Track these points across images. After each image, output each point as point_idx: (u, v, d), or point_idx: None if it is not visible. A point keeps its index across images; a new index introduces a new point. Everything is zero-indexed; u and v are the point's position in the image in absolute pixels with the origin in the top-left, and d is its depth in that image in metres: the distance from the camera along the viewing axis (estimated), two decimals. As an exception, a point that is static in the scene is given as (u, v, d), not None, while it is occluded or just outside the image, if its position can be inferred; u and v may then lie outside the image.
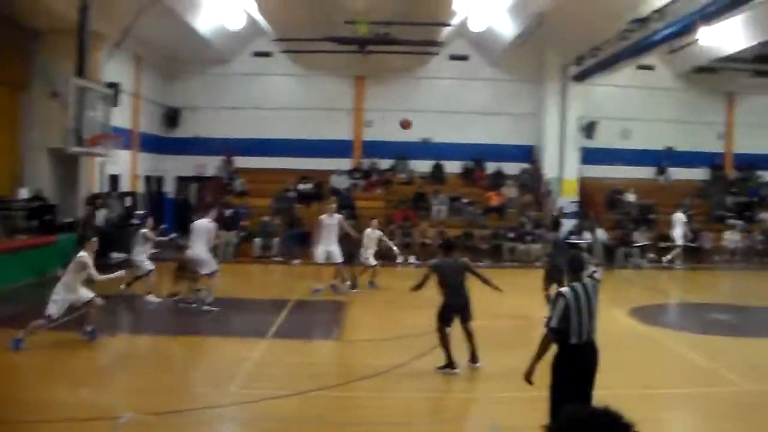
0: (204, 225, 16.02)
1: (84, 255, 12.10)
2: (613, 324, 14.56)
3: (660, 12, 20.55)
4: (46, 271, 19.29)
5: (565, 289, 7.22)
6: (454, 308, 10.86)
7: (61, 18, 19.83)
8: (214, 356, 11.92)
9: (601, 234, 25.99)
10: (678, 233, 25.93)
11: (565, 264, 7.89)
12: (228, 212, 25.47)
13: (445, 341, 10.82)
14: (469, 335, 11.00)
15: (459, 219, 27.23)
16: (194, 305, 15.42)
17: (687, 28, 19.56)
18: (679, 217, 26.11)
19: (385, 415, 8.98)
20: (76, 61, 18.78)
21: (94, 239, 12.81)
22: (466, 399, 9.52)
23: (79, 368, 10.95)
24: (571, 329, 7.06)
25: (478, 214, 27.38)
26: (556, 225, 19.88)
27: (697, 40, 22.77)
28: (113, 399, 9.31)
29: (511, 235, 25.93)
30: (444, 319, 10.90)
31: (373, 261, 19.04)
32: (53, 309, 11.79)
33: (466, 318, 10.96)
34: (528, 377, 7.35)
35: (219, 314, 15.03)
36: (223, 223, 24.84)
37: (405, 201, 27.76)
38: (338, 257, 17.55)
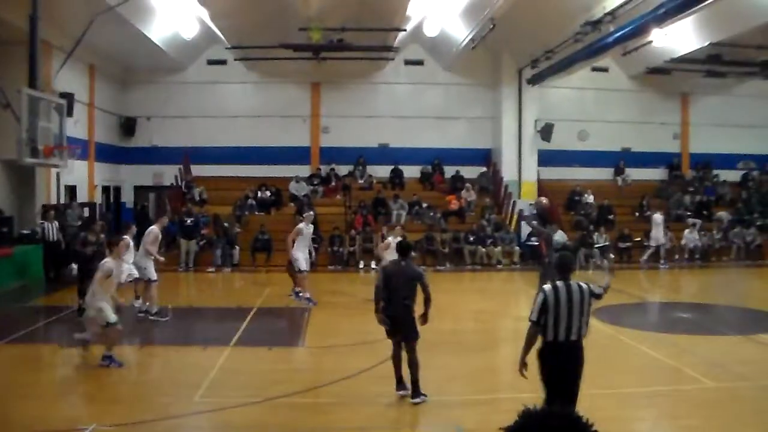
0: (147, 231, 15.88)
1: (109, 261, 11.59)
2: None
3: (612, 14, 20.75)
4: (2, 284, 19.05)
5: (546, 287, 7.34)
6: (393, 319, 9.50)
7: (12, 28, 19.65)
8: (178, 365, 11.79)
9: (561, 236, 26.14)
10: (658, 233, 26.21)
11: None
12: (188, 221, 25.26)
13: (393, 358, 9.77)
14: (410, 360, 9.53)
15: (419, 223, 27.28)
16: (142, 315, 15.22)
17: (639, 29, 19.80)
18: (658, 217, 26.40)
19: (352, 420, 8.95)
20: (28, 71, 18.53)
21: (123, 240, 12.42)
22: (431, 402, 9.48)
23: (41, 381, 10.82)
24: (547, 326, 7.18)
25: (438, 217, 27.43)
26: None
27: (650, 41, 23.16)
28: (76, 411, 9.20)
29: (472, 238, 26.02)
30: (388, 334, 9.78)
31: None
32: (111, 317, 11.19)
33: (407, 336, 9.56)
34: (520, 369, 7.46)
35: (167, 324, 14.90)
36: (183, 232, 24.74)
37: (365, 206, 27.74)
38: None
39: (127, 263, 14.51)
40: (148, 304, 15.33)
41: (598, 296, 7.57)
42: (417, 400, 9.38)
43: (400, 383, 9.63)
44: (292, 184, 29.28)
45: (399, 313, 9.44)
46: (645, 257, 26.18)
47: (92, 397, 10.05)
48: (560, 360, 7.21)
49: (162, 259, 16.60)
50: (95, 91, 27.29)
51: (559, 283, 7.30)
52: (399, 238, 16.84)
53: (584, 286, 7.38)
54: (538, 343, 7.29)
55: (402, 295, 9.44)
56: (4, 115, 18.53)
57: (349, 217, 27.50)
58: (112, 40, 24.21)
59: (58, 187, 23.78)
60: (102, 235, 16.10)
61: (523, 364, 7.41)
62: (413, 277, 9.57)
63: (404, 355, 9.62)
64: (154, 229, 15.80)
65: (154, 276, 15.34)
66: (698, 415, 9.14)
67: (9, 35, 20.23)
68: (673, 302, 18.63)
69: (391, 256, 16.36)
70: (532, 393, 9.65)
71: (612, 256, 25.89)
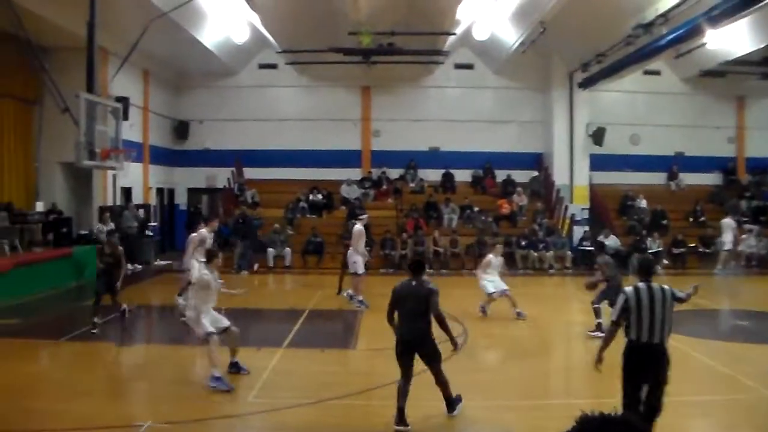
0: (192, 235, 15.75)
1: (206, 272, 11.04)
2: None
3: (665, 16, 20.53)
4: (62, 284, 19.51)
5: (627, 288, 7.48)
6: (407, 343, 8.83)
7: (70, 35, 20.24)
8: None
9: (614, 241, 25.93)
10: (728, 238, 25.67)
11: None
12: (243, 223, 25.48)
13: (398, 391, 8.81)
14: (437, 380, 8.99)
15: (470, 227, 27.25)
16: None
17: (693, 31, 19.48)
18: (728, 222, 25.92)
19: (404, 422, 8.97)
20: (86, 76, 18.91)
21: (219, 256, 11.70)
22: (481, 407, 9.49)
23: (99, 378, 11.04)
24: (630, 326, 7.35)
25: (490, 222, 27.33)
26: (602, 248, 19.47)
27: (704, 43, 22.82)
28: (132, 408, 9.35)
29: (524, 242, 25.88)
30: (397, 357, 8.91)
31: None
32: (207, 326, 10.69)
33: (428, 358, 8.91)
34: (596, 364, 7.67)
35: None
36: (239, 234, 24.99)
37: (416, 210, 27.76)
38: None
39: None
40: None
41: (681, 300, 7.63)
42: (455, 413, 9.08)
43: (401, 416, 8.63)
44: (344, 187, 29.43)
45: (414, 335, 8.79)
46: (721, 265, 25.38)
47: (147, 395, 10.22)
48: (641, 360, 7.29)
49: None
50: (150, 95, 27.80)
51: (640, 284, 7.41)
52: (500, 258, 16.88)
53: (666, 288, 7.45)
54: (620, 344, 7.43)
55: (414, 315, 8.82)
56: (62, 119, 18.94)
57: (401, 220, 27.56)
58: (166, 46, 24.63)
59: (114, 189, 24.30)
60: (120, 248, 15.60)
61: (599, 359, 7.62)
62: (425, 295, 8.83)
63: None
64: (202, 232, 15.52)
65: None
66: (754, 425, 9.01)
67: (68, 42, 20.79)
68: (729, 309, 18.30)
69: (491, 275, 16.46)
70: (584, 399, 9.67)
71: (665, 261, 25.59)
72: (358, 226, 18.17)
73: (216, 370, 10.37)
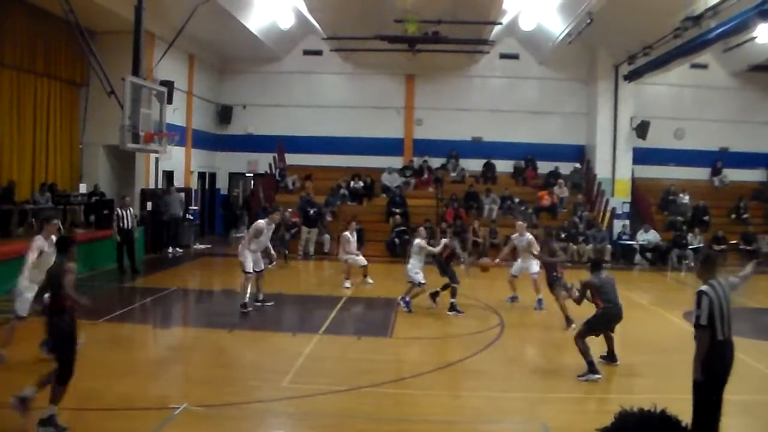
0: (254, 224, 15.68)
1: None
2: (670, 328, 14.48)
3: (714, 9, 20.15)
4: (102, 265, 19.77)
5: (706, 287, 7.17)
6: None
7: (118, 19, 20.43)
8: (267, 351, 12.00)
9: (653, 235, 25.68)
10: None
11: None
12: (311, 210, 25.55)
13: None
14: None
15: (511, 218, 27.10)
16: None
17: (743, 25, 19.17)
18: None
19: (437, 412, 8.98)
20: (132, 60, 19.12)
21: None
22: (518, 398, 9.48)
23: (136, 359, 11.19)
24: (716, 326, 7.06)
25: (530, 213, 27.17)
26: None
27: (754, 37, 22.44)
28: (168, 390, 9.46)
29: (563, 235, 25.68)
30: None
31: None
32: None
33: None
34: (698, 376, 7.14)
35: (259, 309, 15.14)
36: (305, 220, 25.03)
37: (456, 199, 27.71)
38: None
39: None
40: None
41: (734, 286, 7.50)
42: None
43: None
44: (385, 175, 29.44)
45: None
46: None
47: (184, 378, 10.33)
48: (728, 358, 7.14)
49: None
50: (194, 79, 28.03)
51: (713, 281, 7.20)
52: (525, 236, 16.44)
53: (723, 280, 7.32)
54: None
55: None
56: (108, 102, 19.18)
57: (441, 210, 27.51)
58: (212, 31, 24.82)
59: (157, 172, 24.55)
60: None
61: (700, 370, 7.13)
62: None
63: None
64: (259, 224, 15.25)
65: (248, 268, 14.88)
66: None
67: (115, 25, 21.02)
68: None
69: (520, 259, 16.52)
70: (619, 394, 9.64)
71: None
72: (345, 234, 18.71)
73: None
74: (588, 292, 10.94)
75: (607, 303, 10.75)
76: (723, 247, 25.61)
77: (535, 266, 16.04)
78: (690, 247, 24.97)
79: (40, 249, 10.17)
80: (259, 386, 9.86)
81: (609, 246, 25.87)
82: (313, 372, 10.66)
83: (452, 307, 15.20)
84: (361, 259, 19.10)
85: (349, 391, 9.63)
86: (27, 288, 10.10)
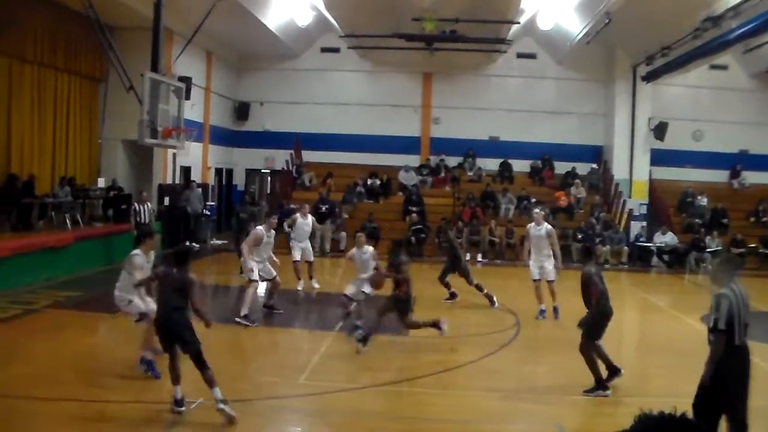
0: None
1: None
2: (687, 331, 14.35)
3: (735, 9, 20.02)
4: (121, 259, 19.83)
5: (725, 291, 6.99)
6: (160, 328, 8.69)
7: (137, 15, 20.56)
8: (284, 347, 12.04)
9: (671, 238, 25.57)
10: None
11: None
12: (323, 207, 25.58)
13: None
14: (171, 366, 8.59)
15: (527, 218, 27.01)
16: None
17: (764, 26, 19.02)
18: None
19: (452, 412, 9.00)
20: (151, 56, 19.22)
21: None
22: (534, 399, 9.47)
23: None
24: (735, 330, 6.89)
25: (547, 213, 27.05)
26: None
27: (775, 38, 22.26)
28: (185, 384, 9.47)
29: (580, 236, 25.61)
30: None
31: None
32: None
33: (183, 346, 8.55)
34: (708, 382, 6.99)
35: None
36: (318, 217, 25.01)
37: (473, 198, 27.70)
38: None
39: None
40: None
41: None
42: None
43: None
44: (402, 173, 29.46)
45: (166, 318, 8.64)
46: None
47: (198, 373, 10.34)
48: (747, 363, 6.97)
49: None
50: (212, 75, 28.12)
51: (734, 285, 7.04)
52: (542, 226, 15.16)
53: (742, 286, 7.16)
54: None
55: (169, 301, 8.65)
56: (127, 97, 19.27)
57: (457, 208, 27.52)
58: (230, 27, 24.90)
59: (174, 167, 24.66)
60: None
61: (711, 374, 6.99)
62: (181, 284, 8.61)
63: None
64: (258, 231, 14.16)
65: (255, 276, 13.95)
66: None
67: (134, 21, 21.16)
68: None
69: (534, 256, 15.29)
70: (636, 396, 9.59)
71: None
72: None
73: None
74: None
75: (602, 299, 9.92)
76: (742, 250, 25.47)
77: (552, 271, 14.94)
78: (708, 250, 24.82)
79: (141, 266, 10.02)
80: (275, 383, 9.92)
81: (626, 248, 25.79)
82: (328, 369, 10.70)
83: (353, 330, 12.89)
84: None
85: (364, 389, 9.67)
86: (131, 295, 10.07)
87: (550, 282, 14.99)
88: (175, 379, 8.44)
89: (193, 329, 8.40)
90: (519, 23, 25.81)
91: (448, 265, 16.48)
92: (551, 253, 14.94)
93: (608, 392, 9.59)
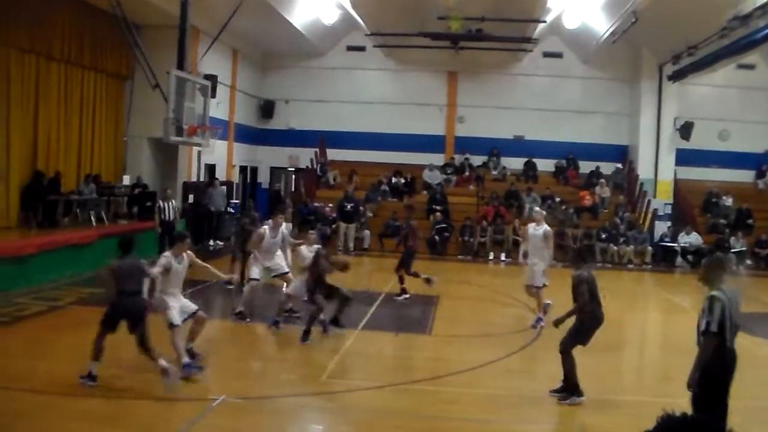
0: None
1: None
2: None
3: (763, 8, 19.79)
4: (145, 256, 19.92)
5: (716, 292, 6.94)
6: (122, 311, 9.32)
7: (163, 13, 20.73)
8: (306, 345, 12.04)
9: (695, 238, 25.39)
10: None
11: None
12: (348, 206, 25.73)
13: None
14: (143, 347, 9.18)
15: (551, 217, 26.94)
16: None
17: (793, 25, 18.88)
18: None
19: (474, 411, 9.00)
20: (177, 54, 19.34)
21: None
22: (554, 401, 9.44)
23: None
24: (726, 332, 6.84)
25: (571, 213, 26.99)
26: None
27: (805, 38, 22.00)
28: (207, 382, 9.57)
29: (604, 236, 25.50)
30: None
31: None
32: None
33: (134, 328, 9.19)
34: (692, 385, 6.91)
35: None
36: (343, 216, 25.15)
37: (497, 197, 27.65)
38: None
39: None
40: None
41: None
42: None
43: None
44: (426, 171, 29.48)
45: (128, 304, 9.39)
46: None
47: (223, 370, 10.41)
48: (733, 366, 6.91)
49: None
50: (237, 73, 28.27)
51: (724, 287, 7.01)
52: (541, 227, 14.42)
53: (735, 288, 7.14)
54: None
55: (133, 287, 9.52)
56: (152, 95, 19.37)
57: (481, 207, 27.48)
58: (255, 26, 25.01)
59: (199, 165, 24.82)
60: None
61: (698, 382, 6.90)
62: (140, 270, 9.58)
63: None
64: (260, 232, 13.91)
65: (254, 274, 13.80)
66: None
67: (160, 19, 21.31)
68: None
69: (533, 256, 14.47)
70: (655, 397, 9.56)
71: (749, 262, 24.97)
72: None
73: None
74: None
75: (590, 306, 9.79)
76: (767, 250, 25.30)
77: (540, 276, 14.15)
78: (733, 250, 24.63)
79: (166, 266, 9.92)
80: (297, 380, 9.98)
81: (649, 248, 25.65)
82: (351, 367, 10.77)
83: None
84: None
85: (386, 388, 9.68)
86: (168, 298, 10.04)
87: (537, 288, 14.30)
88: (98, 356, 9.06)
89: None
90: (545, 22, 25.69)
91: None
92: (544, 256, 14.26)
93: (583, 398, 9.38)
